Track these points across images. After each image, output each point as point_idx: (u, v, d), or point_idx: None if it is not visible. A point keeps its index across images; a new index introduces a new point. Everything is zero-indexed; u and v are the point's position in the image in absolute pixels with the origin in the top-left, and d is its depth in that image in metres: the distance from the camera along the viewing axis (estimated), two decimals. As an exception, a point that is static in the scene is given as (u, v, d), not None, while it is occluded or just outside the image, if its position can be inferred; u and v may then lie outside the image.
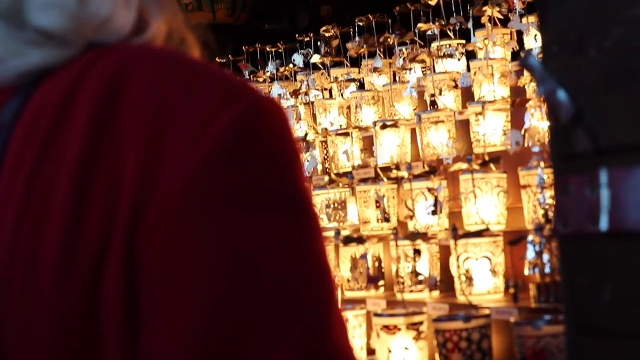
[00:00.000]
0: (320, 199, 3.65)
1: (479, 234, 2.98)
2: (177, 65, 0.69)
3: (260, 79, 4.73)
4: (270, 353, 0.63)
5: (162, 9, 0.75)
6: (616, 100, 0.82)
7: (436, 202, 3.14)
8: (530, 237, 2.66)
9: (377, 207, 3.39)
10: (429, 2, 3.87)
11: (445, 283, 3.16)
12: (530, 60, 0.89)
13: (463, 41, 3.86)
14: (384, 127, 3.60)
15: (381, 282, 3.37)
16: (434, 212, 3.16)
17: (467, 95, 3.61)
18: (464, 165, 3.05)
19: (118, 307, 0.63)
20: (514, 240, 2.80)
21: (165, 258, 0.63)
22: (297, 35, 4.70)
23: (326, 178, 3.68)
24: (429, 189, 3.17)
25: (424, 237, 3.15)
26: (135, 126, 0.65)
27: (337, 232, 3.38)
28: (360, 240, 3.34)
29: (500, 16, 3.58)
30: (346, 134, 3.82)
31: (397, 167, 3.36)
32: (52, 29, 0.70)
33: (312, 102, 4.22)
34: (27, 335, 0.64)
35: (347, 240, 3.36)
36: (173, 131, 0.65)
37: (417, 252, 3.15)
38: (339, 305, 0.69)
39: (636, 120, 0.80)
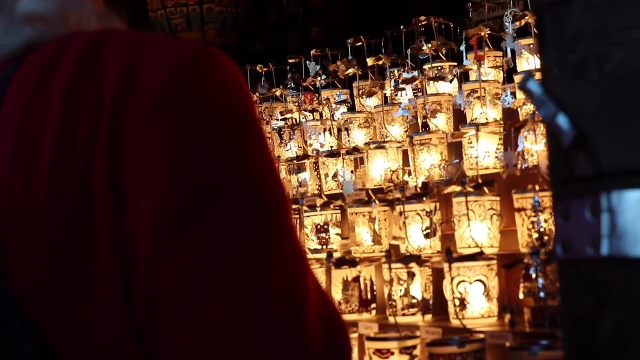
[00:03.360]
0: (311, 220, 3.64)
1: (473, 257, 2.97)
2: (142, 32, 0.85)
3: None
4: (228, 223, 0.76)
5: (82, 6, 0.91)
6: (618, 124, 0.81)
7: (431, 225, 3.13)
8: (525, 261, 2.64)
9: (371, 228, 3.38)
10: (419, 23, 3.88)
11: (438, 306, 3.14)
12: (530, 84, 0.88)
13: (455, 63, 3.87)
14: (375, 148, 3.60)
15: (373, 305, 3.35)
16: (427, 236, 3.16)
17: (459, 118, 3.61)
18: (458, 188, 3.04)
19: (106, 191, 0.76)
20: (510, 263, 2.79)
21: (141, 143, 0.77)
22: (288, 57, 4.72)
23: (318, 200, 3.68)
24: (426, 212, 3.16)
25: (417, 259, 3.13)
26: (113, 61, 0.80)
27: (329, 255, 3.36)
28: (352, 262, 3.32)
29: (493, 32, 3.59)
30: (337, 156, 3.82)
31: (389, 189, 3.35)
32: (42, 11, 0.86)
33: (303, 124, 4.22)
34: (29, 221, 0.76)
35: (339, 263, 3.35)
36: (143, 62, 0.80)
37: (410, 275, 3.14)
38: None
39: (638, 144, 0.79)
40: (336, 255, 3.43)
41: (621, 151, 0.81)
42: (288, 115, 4.31)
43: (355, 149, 3.74)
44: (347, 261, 3.34)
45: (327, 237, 3.54)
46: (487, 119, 3.38)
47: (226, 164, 0.78)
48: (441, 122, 3.61)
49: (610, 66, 0.82)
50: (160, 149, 0.77)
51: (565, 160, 0.86)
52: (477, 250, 3.03)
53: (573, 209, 0.84)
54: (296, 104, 4.39)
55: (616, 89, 0.81)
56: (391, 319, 3.15)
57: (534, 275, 2.62)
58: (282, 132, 4.33)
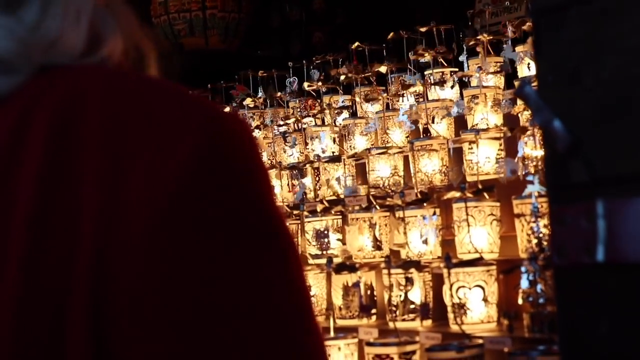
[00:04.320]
0: (311, 226, 3.64)
1: (472, 262, 2.97)
2: (133, 90, 0.65)
3: (252, 105, 4.74)
4: None
5: (118, 23, 0.71)
6: (613, 130, 0.81)
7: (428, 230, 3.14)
8: (524, 267, 2.64)
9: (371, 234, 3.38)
10: (420, 29, 3.88)
11: (438, 312, 3.14)
12: (526, 90, 0.89)
13: (456, 69, 3.87)
14: (376, 154, 3.60)
15: (374, 311, 3.35)
16: (425, 242, 3.16)
17: (460, 124, 3.61)
18: (457, 194, 3.04)
19: (83, 353, 0.59)
20: (508, 269, 2.79)
21: (135, 303, 0.59)
22: (290, 62, 4.72)
23: (319, 206, 3.68)
24: (424, 218, 3.16)
25: (417, 265, 3.14)
26: (92, 164, 0.61)
27: (330, 260, 3.36)
28: (352, 268, 3.32)
29: (494, 38, 3.60)
30: (338, 161, 3.82)
31: (390, 195, 3.35)
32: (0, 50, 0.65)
33: (304, 129, 4.22)
34: None
35: (339, 269, 3.34)
36: (132, 166, 0.61)
37: (409, 280, 3.14)
38: (321, 335, 0.67)
39: (633, 150, 0.80)
40: (337, 260, 3.43)
41: (616, 158, 0.81)
42: (289, 121, 4.31)
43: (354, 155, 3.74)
44: (347, 267, 3.34)
45: (328, 242, 3.54)
46: (487, 124, 3.38)
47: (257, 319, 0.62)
48: (442, 127, 3.62)
49: (605, 73, 0.82)
50: (165, 305, 0.60)
51: (561, 167, 0.86)
52: (477, 255, 3.03)
53: (569, 215, 0.84)
54: (297, 109, 4.39)
55: (611, 96, 0.82)
56: (391, 325, 3.15)
57: (531, 281, 2.61)
58: (286, 136, 4.33)
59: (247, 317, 0.61)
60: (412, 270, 3.10)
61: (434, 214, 3.17)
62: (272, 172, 4.07)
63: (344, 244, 3.52)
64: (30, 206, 0.60)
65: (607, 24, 0.82)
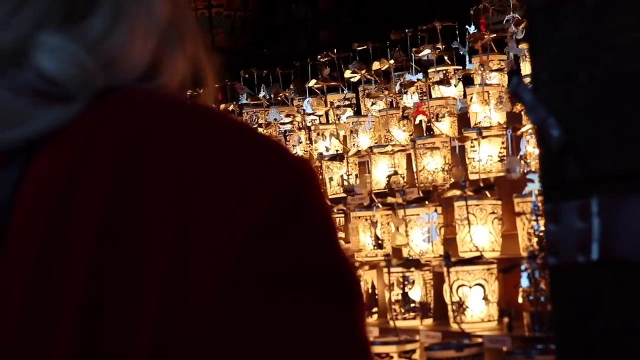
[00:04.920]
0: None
1: (472, 261, 2.96)
2: (202, 130, 0.59)
3: (255, 103, 4.74)
4: None
5: (182, 44, 0.65)
6: (607, 127, 0.81)
7: (430, 229, 3.13)
8: (523, 265, 2.63)
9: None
10: (423, 27, 3.88)
11: (440, 310, 3.13)
12: (520, 88, 0.88)
13: (460, 67, 3.87)
14: (378, 152, 3.60)
15: (375, 309, 3.34)
16: (426, 240, 3.16)
17: (464, 122, 3.61)
18: (458, 192, 3.04)
19: None
20: (506, 268, 2.78)
21: None
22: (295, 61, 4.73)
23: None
24: (426, 217, 3.16)
25: (417, 264, 3.13)
26: (157, 218, 0.55)
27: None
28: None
29: (497, 36, 3.59)
30: (341, 159, 3.82)
31: (392, 194, 3.35)
32: (58, 76, 0.58)
33: (309, 127, 4.22)
34: None
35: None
36: (200, 226, 0.56)
37: (409, 279, 3.13)
38: None
39: (627, 148, 0.79)
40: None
41: (611, 155, 0.81)
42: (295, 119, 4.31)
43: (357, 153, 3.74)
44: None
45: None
46: (490, 122, 3.37)
47: None
48: (445, 126, 3.61)
49: (600, 70, 0.82)
50: None
51: (556, 165, 0.86)
52: (478, 254, 3.02)
53: (563, 213, 0.84)
54: (302, 107, 4.39)
55: (606, 93, 0.81)
56: (391, 323, 3.14)
57: (532, 280, 2.60)
58: (287, 135, 4.33)
59: None
60: (412, 269, 3.09)
61: (435, 211, 3.16)
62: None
63: (346, 242, 3.51)
64: (88, 256, 0.55)
65: (602, 20, 0.82)
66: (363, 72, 4.01)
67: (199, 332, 0.55)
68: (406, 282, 3.08)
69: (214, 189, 0.57)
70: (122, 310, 0.55)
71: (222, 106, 4.96)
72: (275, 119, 4.48)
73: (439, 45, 3.81)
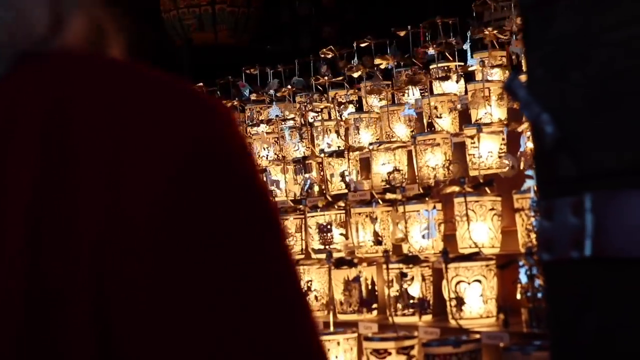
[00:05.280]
0: (314, 220, 3.64)
1: (470, 257, 2.96)
2: (124, 79, 0.65)
3: (258, 100, 4.74)
4: None
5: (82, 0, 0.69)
6: (601, 124, 0.81)
7: (429, 225, 3.13)
8: (521, 262, 2.63)
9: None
10: (424, 23, 3.88)
11: (439, 307, 3.12)
12: (514, 84, 0.88)
13: (462, 63, 3.87)
14: (379, 149, 3.60)
15: (375, 306, 3.34)
16: (424, 237, 3.15)
17: (465, 118, 3.60)
18: (457, 188, 3.03)
19: (86, 350, 0.59)
20: (503, 264, 2.77)
21: (136, 295, 0.60)
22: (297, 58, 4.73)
23: (321, 201, 3.68)
24: (425, 213, 3.16)
25: (416, 260, 3.13)
26: (89, 158, 0.60)
27: (329, 255, 3.35)
28: (352, 263, 3.31)
29: (501, 37, 3.58)
30: (342, 156, 3.81)
31: (392, 190, 3.35)
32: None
33: (311, 124, 4.22)
34: None
35: (339, 263, 3.34)
36: (133, 154, 0.61)
37: (405, 275, 3.12)
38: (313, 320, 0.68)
39: (620, 144, 0.79)
40: (340, 255, 3.42)
41: (604, 152, 0.81)
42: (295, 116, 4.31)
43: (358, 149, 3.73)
44: (347, 261, 3.34)
45: (330, 237, 3.53)
46: (491, 119, 3.37)
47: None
48: (446, 122, 3.61)
49: (594, 67, 0.82)
50: (168, 294, 0.61)
51: (550, 161, 0.86)
52: (476, 250, 3.02)
53: (557, 209, 0.84)
54: (304, 104, 4.39)
55: (599, 90, 0.81)
56: (391, 320, 3.14)
57: (529, 276, 2.60)
58: (291, 132, 4.33)
59: (246, 300, 0.62)
60: (410, 265, 3.09)
61: (434, 208, 3.16)
62: (277, 167, 4.08)
63: (347, 238, 3.51)
64: (29, 200, 0.60)
65: (596, 17, 0.82)
66: (365, 69, 4.01)
67: (135, 257, 0.60)
68: (405, 279, 3.07)
69: (140, 131, 0.62)
70: (60, 245, 0.59)
71: (224, 102, 4.97)
72: (276, 116, 4.48)
73: (442, 40, 3.80)
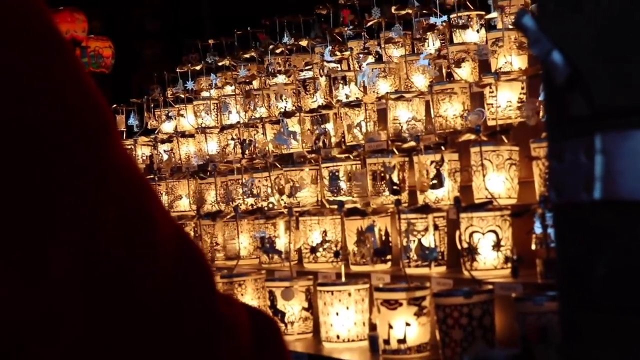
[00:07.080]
0: (330, 170, 3.62)
1: (482, 206, 2.90)
2: None
3: (278, 51, 4.71)
4: None
5: None
6: (614, 60, 0.77)
7: (438, 175, 3.09)
8: (538, 211, 2.58)
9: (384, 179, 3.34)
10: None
11: (453, 258, 3.08)
12: (524, 20, 0.85)
13: (482, 12, 3.80)
14: (397, 99, 3.55)
15: (389, 257, 3.31)
16: (433, 187, 3.12)
17: (484, 67, 3.55)
18: (472, 136, 2.98)
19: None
20: (517, 212, 2.72)
21: None
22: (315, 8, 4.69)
23: (334, 151, 3.65)
24: (433, 162, 3.11)
25: (428, 210, 3.08)
26: None
27: (341, 204, 3.31)
28: (362, 213, 3.26)
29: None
30: (359, 106, 3.78)
31: (405, 140, 3.30)
32: None
33: (329, 75, 4.18)
34: None
35: (350, 213, 3.30)
36: None
37: (422, 226, 3.07)
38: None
39: (634, 81, 0.75)
40: (348, 205, 3.38)
41: (617, 89, 0.77)
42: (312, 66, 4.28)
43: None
44: (358, 211, 3.29)
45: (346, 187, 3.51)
46: (511, 68, 3.31)
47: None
48: (466, 72, 3.55)
49: (607, 0, 0.78)
50: None
51: (560, 100, 0.82)
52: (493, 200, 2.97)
53: (567, 151, 0.80)
54: (322, 55, 4.35)
55: (613, 24, 0.78)
56: (403, 270, 3.10)
57: (544, 226, 2.55)
58: (306, 84, 4.30)
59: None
60: (425, 215, 3.04)
61: (441, 157, 3.11)
62: (294, 118, 4.05)
63: (363, 190, 3.48)
64: None
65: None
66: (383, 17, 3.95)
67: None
68: (417, 229, 3.03)
69: None
70: None
71: (241, 54, 4.95)
72: (295, 67, 4.45)
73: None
